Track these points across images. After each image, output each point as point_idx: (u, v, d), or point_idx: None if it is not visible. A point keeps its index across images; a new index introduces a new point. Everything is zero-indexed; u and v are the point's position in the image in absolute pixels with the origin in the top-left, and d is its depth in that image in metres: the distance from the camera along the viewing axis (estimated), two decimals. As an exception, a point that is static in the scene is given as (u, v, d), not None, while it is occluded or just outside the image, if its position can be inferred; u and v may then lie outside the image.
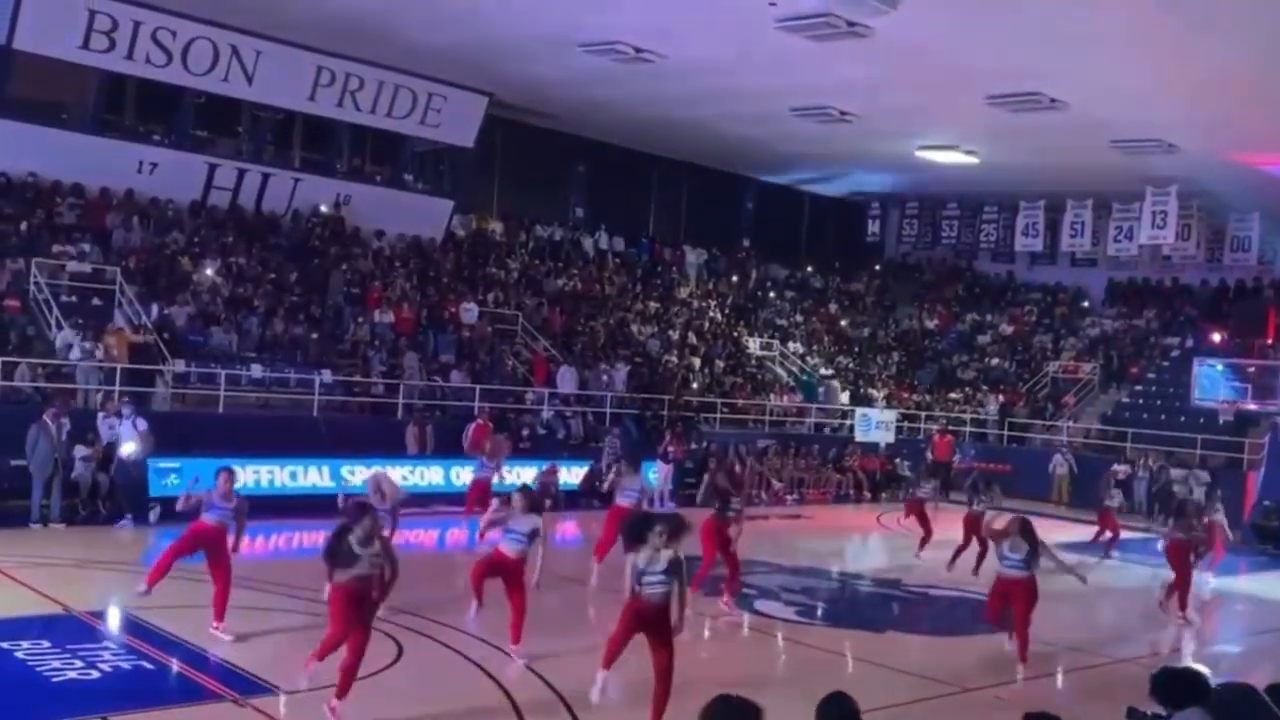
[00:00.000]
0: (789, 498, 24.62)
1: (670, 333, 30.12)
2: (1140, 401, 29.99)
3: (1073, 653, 11.97)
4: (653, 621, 8.20)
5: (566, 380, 24.75)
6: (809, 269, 37.90)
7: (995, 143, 26.77)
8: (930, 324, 36.83)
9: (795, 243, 37.46)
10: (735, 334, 32.19)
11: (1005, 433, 29.80)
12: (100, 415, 17.28)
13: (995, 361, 33.97)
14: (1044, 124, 23.77)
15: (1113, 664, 11.87)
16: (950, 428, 28.64)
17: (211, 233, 23.74)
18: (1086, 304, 35.48)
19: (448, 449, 21.01)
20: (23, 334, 18.88)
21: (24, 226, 20.98)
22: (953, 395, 32.34)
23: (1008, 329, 35.27)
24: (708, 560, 12.68)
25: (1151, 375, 31.05)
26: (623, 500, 14.34)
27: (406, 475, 19.84)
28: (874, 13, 17.51)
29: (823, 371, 32.30)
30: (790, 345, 33.11)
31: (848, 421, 29.32)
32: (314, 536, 13.84)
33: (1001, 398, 31.12)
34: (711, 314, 32.66)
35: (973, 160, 28.91)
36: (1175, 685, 5.12)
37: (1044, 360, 33.12)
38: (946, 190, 33.99)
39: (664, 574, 8.14)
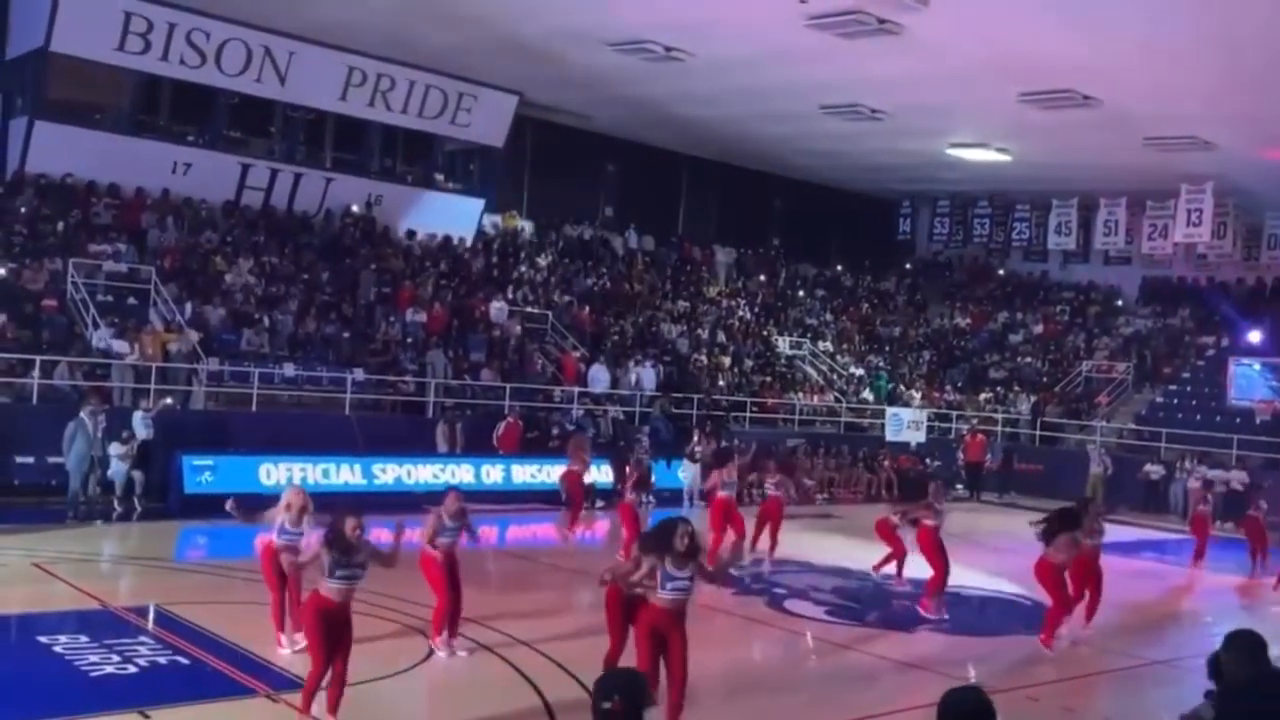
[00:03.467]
0: (819, 497, 24.53)
1: (699, 332, 30.10)
2: (1175, 401, 29.67)
3: (1107, 654, 11.86)
4: (673, 625, 7.95)
5: (597, 379, 24.79)
6: (839, 268, 37.75)
7: (1027, 140, 26.57)
8: (962, 323, 36.60)
9: (825, 241, 37.32)
10: (765, 333, 32.12)
11: (1038, 432, 29.56)
12: (137, 413, 17.48)
13: (1027, 361, 33.69)
14: (1077, 121, 23.57)
15: (1146, 665, 11.77)
16: (981, 428, 28.45)
17: (244, 232, 23.95)
18: (1120, 303, 35.14)
19: (478, 447, 21.10)
20: (61, 333, 19.11)
21: (61, 226, 21.24)
22: (984, 395, 32.12)
23: (1040, 328, 34.98)
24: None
25: (1186, 375, 30.70)
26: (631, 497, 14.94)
27: (437, 473, 20.00)
28: (905, 9, 17.43)
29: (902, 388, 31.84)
30: (820, 344, 33.00)
31: (878, 421, 29.18)
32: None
33: (1034, 397, 30.88)
34: (741, 313, 32.61)
35: (1004, 158, 28.70)
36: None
37: (1077, 360, 32.82)
38: (978, 188, 33.78)
39: (689, 578, 7.94)
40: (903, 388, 31.64)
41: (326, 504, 10.02)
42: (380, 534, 9.70)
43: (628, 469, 16.04)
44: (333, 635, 7.77)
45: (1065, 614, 11.88)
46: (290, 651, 9.42)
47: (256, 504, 17.05)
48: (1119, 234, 31.68)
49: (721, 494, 15.45)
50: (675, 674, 7.86)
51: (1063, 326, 34.87)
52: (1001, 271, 37.89)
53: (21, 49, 21.59)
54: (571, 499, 17.50)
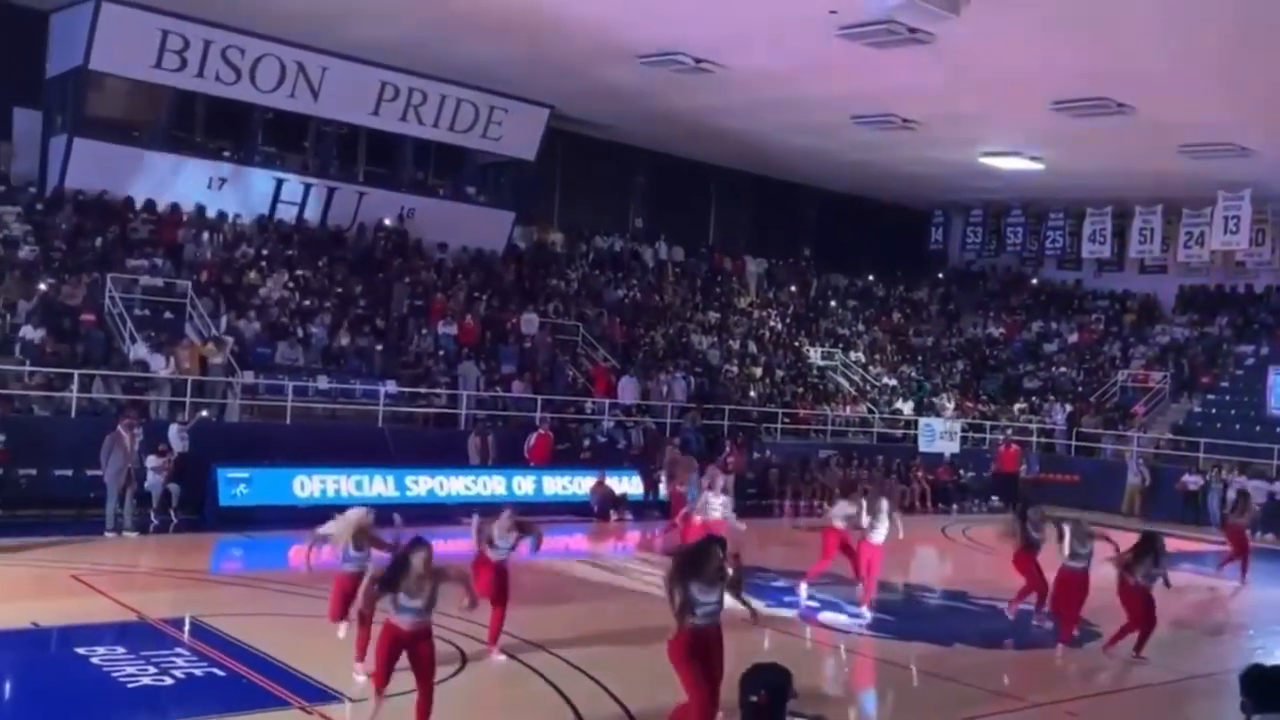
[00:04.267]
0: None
1: (731, 343, 30.06)
2: (1213, 411, 29.29)
3: (1146, 668, 11.70)
4: (710, 646, 7.84)
5: (628, 390, 24.80)
6: (871, 278, 37.60)
7: (1060, 148, 26.39)
8: (995, 332, 36.35)
9: (857, 251, 37.16)
10: (796, 343, 32.03)
11: (1073, 443, 29.27)
12: (173, 426, 17.67)
13: (1062, 370, 33.41)
14: (1111, 129, 23.39)
15: (1184, 680, 11.60)
16: (1016, 438, 28.21)
17: (279, 246, 24.17)
18: (1156, 311, 34.78)
19: (509, 459, 21.16)
20: (99, 347, 19.35)
21: (99, 242, 21.52)
22: (1019, 405, 31.85)
23: (1075, 337, 34.67)
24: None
25: (1225, 384, 30.31)
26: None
27: (469, 485, 20.08)
28: (936, 19, 17.37)
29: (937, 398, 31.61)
30: (852, 354, 32.86)
31: (911, 432, 29.00)
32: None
33: (1069, 407, 30.58)
34: (772, 323, 32.53)
35: (1037, 166, 28.52)
36: (1263, 684, 4.90)
37: (1113, 369, 32.50)
38: (1011, 197, 33.57)
39: (718, 600, 7.84)
40: (933, 398, 31.39)
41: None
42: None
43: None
44: (399, 658, 7.82)
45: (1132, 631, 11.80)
46: (364, 679, 8.87)
47: (290, 516, 17.32)
48: (1154, 242, 31.38)
49: (838, 525, 14.02)
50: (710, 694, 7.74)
51: (1098, 335, 34.55)
52: (1035, 280, 37.60)
53: (61, 68, 21.92)
54: (670, 514, 17.58)
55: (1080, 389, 32.11)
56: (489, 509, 11.37)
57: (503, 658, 10.13)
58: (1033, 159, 27.94)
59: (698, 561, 7.79)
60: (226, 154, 24.11)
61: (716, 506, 14.34)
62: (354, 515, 9.81)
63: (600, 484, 20.70)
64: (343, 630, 9.88)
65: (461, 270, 26.80)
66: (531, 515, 18.26)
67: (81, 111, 21.75)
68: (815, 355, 32.05)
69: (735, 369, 28.80)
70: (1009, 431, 28.94)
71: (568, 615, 12.39)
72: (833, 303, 35.41)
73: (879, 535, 13.28)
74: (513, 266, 28.13)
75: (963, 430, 28.54)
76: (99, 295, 20.28)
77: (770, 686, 4.25)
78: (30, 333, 18.62)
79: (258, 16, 21.37)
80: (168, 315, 20.84)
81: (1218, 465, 25.66)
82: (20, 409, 17.52)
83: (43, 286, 19.89)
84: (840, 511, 13.97)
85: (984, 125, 25.35)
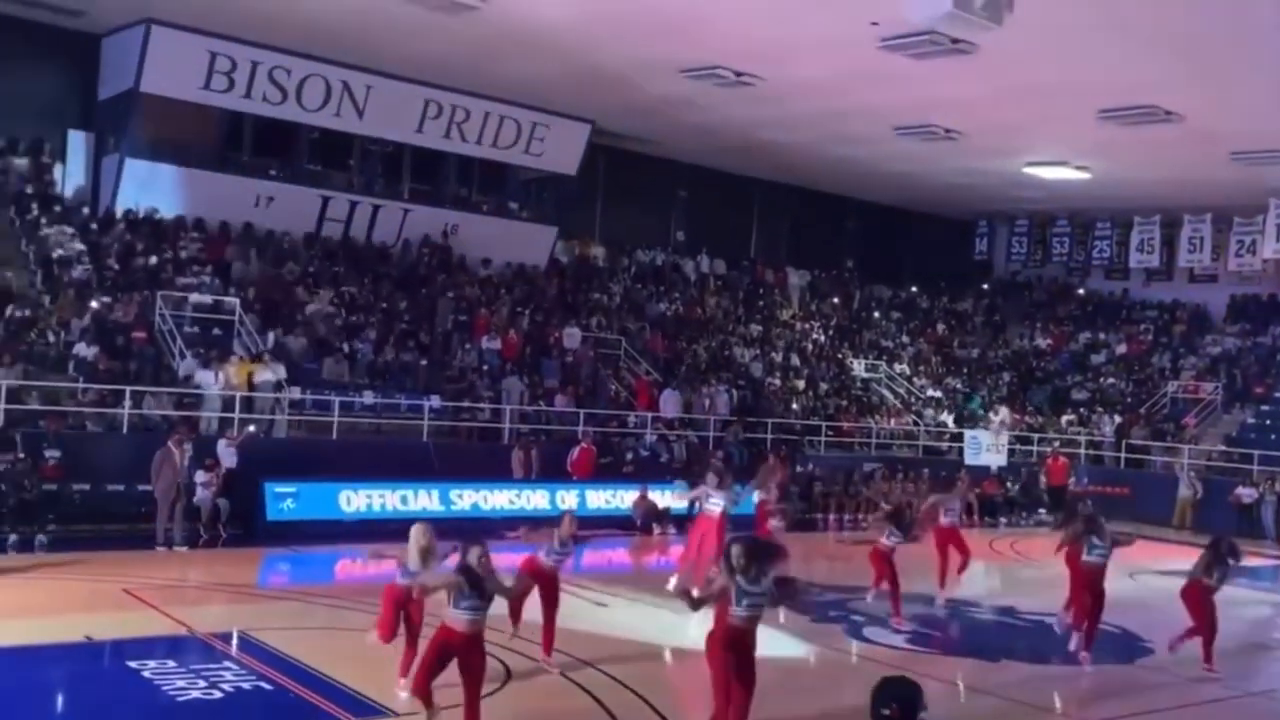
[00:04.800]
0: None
1: (773, 355, 29.97)
2: (1267, 422, 28.75)
3: (1203, 684, 11.49)
4: (743, 647, 7.82)
5: (670, 404, 24.80)
6: (914, 289, 37.35)
7: (1107, 157, 26.10)
8: (1042, 344, 35.95)
9: (900, 263, 36.97)
10: (839, 356, 31.87)
11: (1122, 455, 28.85)
12: (221, 442, 17.90)
13: (1110, 382, 32.97)
14: (1159, 137, 23.11)
15: (1241, 698, 11.37)
16: (1064, 450, 27.84)
17: (325, 263, 24.46)
18: (1207, 321, 34.23)
19: (552, 473, 21.22)
20: (150, 363, 19.67)
21: (150, 260, 21.89)
22: (1066, 417, 31.46)
23: (1123, 348, 34.21)
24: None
25: (1279, 395, 29.76)
26: (711, 508, 14.38)
27: (513, 499, 20.17)
28: (978, 29, 17.22)
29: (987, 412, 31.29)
30: (896, 366, 32.64)
31: (956, 445, 28.73)
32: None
33: (1118, 419, 30.16)
34: (815, 336, 32.40)
35: (1084, 176, 28.22)
36: None
37: (1162, 380, 32.02)
38: (1057, 207, 33.24)
39: (764, 594, 7.82)
40: (983, 411, 31.05)
41: (403, 530, 10.03)
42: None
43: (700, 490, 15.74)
44: (448, 663, 7.85)
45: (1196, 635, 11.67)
46: (406, 696, 8.78)
47: (337, 531, 17.49)
48: (1204, 251, 30.95)
49: (945, 521, 15.22)
50: (739, 698, 7.73)
51: (1147, 346, 34.07)
52: (1082, 291, 37.17)
53: (113, 91, 22.36)
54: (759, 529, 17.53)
55: (1129, 400, 31.67)
56: (533, 523, 11.48)
57: (555, 671, 10.14)
58: (1079, 168, 27.65)
59: (755, 553, 7.84)
60: (273, 173, 24.45)
61: (717, 501, 14.53)
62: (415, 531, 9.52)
63: (643, 498, 20.70)
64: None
65: (504, 285, 26.96)
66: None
67: (133, 133, 22.16)
68: (859, 367, 31.86)
69: (778, 382, 28.70)
70: (1056, 444, 28.59)
71: (610, 630, 12.38)
72: (876, 314, 35.21)
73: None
74: (555, 281, 28.26)
75: (1010, 442, 28.24)
76: (150, 313, 20.62)
77: (901, 700, 4.34)
78: (84, 350, 18.96)
79: (304, 37, 21.68)
80: (216, 332, 21.13)
81: (1271, 477, 25.17)
82: (74, 425, 17.83)
83: (95, 305, 20.24)
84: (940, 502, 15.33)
85: (1028, 135, 25.13)
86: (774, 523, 15.49)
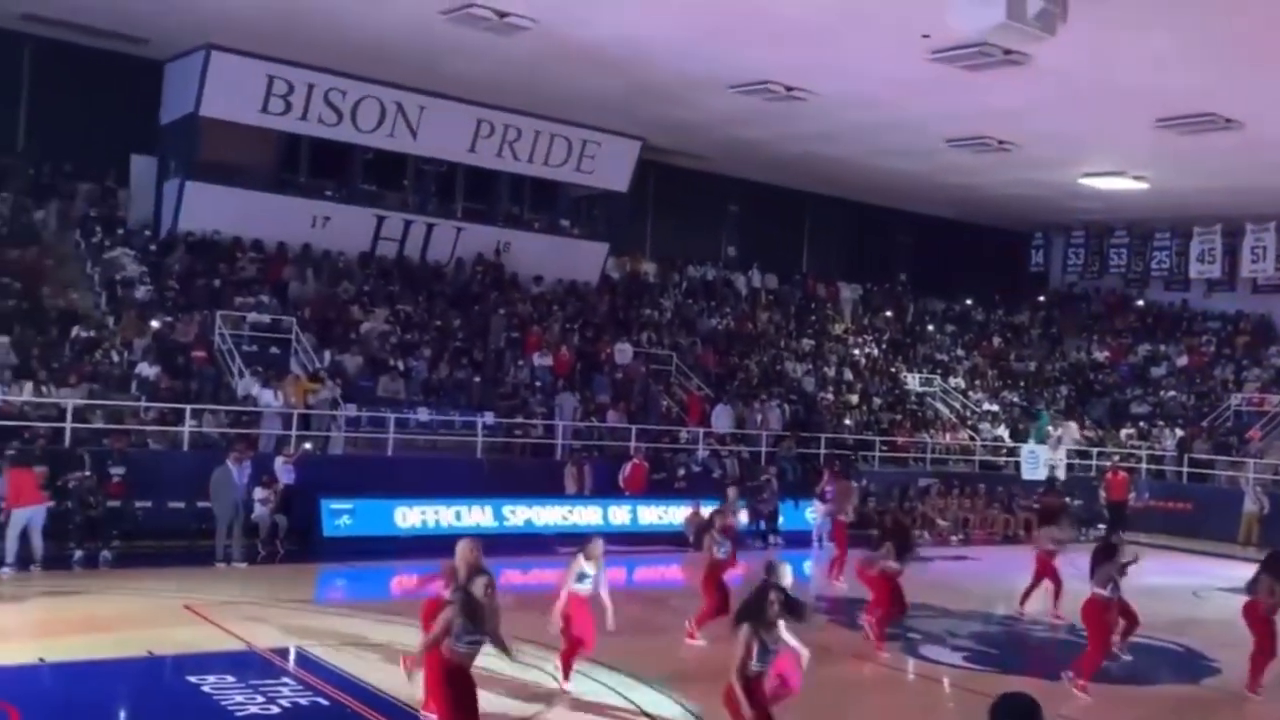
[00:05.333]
0: (954, 538, 23.92)
1: (825, 370, 29.80)
2: (1335, 435, 28.07)
3: (1268, 705, 11.22)
4: (762, 694, 7.70)
5: (722, 419, 24.74)
6: (969, 301, 36.98)
7: (1165, 166, 25.70)
8: (1100, 356, 35.39)
9: (953, 275, 36.62)
10: (893, 370, 31.61)
11: (1185, 469, 28.27)
12: (278, 459, 18.14)
13: (1172, 395, 32.34)
14: (1218, 145, 22.72)
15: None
16: (1123, 464, 27.36)
17: (380, 282, 24.76)
18: (1271, 332, 33.48)
19: (605, 489, 21.25)
20: (209, 382, 20.02)
21: (216, 282, 22.30)
22: (1126, 431, 30.90)
23: (1184, 360, 33.56)
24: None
25: (1348, 407, 29.04)
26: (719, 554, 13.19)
27: (565, 515, 20.23)
28: (1031, 39, 17.05)
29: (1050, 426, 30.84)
30: (951, 380, 32.29)
31: (1013, 459, 28.35)
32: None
33: (1180, 433, 29.58)
34: (868, 350, 32.17)
35: (1141, 186, 27.79)
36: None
37: (1225, 393, 31.35)
38: (1114, 217, 32.76)
39: (776, 645, 7.73)
40: (1050, 428, 30.47)
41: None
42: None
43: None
44: (467, 693, 7.74)
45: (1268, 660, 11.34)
46: None
47: (392, 547, 17.62)
48: (1268, 260, 30.32)
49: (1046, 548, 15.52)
50: None
51: (1209, 358, 33.39)
52: (1141, 302, 36.56)
53: (174, 115, 22.87)
54: (839, 547, 17.56)
55: (1191, 413, 31.04)
56: (586, 539, 11.44)
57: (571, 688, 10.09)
58: (1136, 178, 27.25)
59: (759, 610, 7.63)
60: (329, 193, 24.81)
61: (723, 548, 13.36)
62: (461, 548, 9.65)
63: (695, 514, 20.55)
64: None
65: (556, 302, 27.10)
66: (627, 545, 18.46)
67: (194, 156, 22.63)
68: (913, 382, 31.57)
69: (831, 397, 28.52)
70: (1116, 458, 28.11)
71: (661, 646, 12.35)
72: (930, 328, 34.88)
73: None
74: (606, 297, 28.36)
75: (1068, 457, 27.81)
76: (210, 332, 21.00)
77: (1020, 715, 4.32)
78: (146, 370, 19.35)
79: (358, 59, 22.02)
80: (274, 350, 21.45)
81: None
82: (137, 443, 18.18)
83: (157, 325, 20.66)
84: (1049, 535, 15.67)
85: (1084, 145, 24.82)
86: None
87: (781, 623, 7.74)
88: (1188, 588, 18.64)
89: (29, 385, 18.04)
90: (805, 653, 8.17)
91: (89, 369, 19.02)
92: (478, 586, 7.69)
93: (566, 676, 10.16)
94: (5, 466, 15.25)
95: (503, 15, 18.41)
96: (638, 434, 22.85)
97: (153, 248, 22.69)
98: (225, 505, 16.18)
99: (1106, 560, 11.48)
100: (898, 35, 18.06)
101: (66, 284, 21.39)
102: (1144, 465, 28.38)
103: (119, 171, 23.44)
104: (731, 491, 17.85)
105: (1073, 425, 30.13)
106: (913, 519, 23.87)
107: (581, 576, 10.24)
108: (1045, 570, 15.40)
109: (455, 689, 7.61)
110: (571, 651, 10.16)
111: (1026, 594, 15.53)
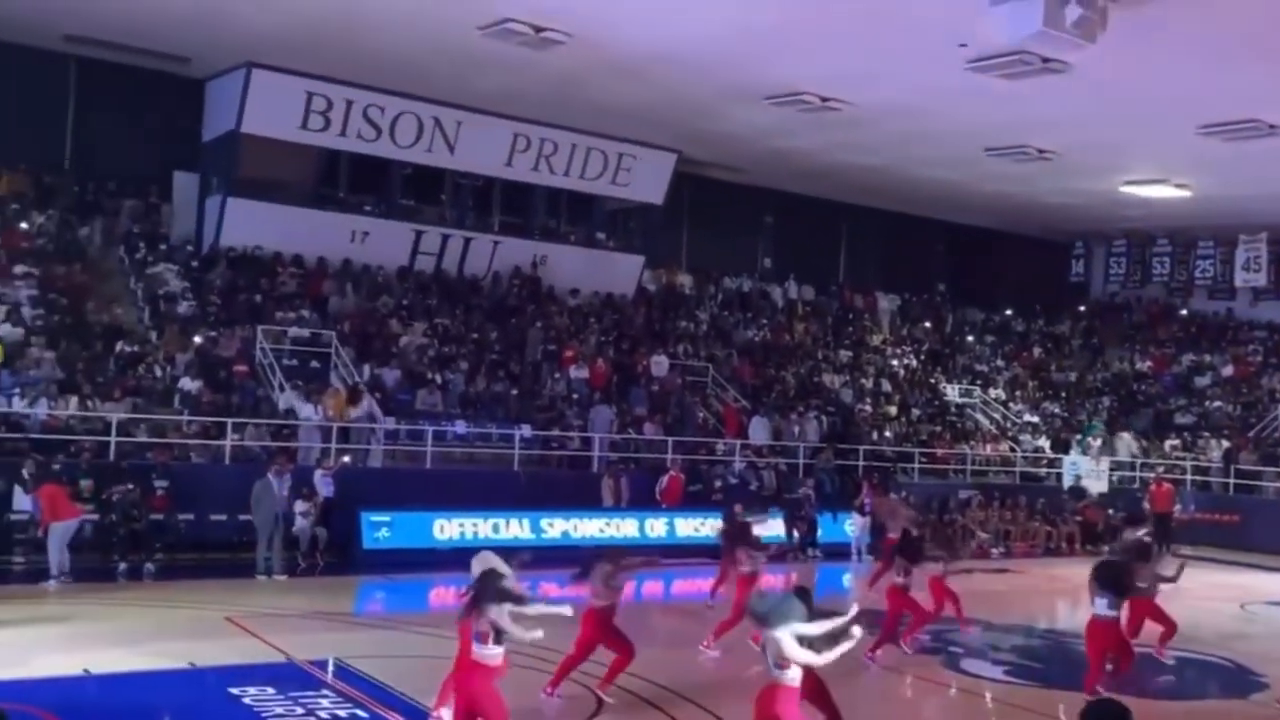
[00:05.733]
0: (995, 551, 23.67)
1: (863, 381, 29.62)
2: (1388, 446, 27.50)
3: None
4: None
5: (759, 431, 24.65)
6: (1008, 312, 36.65)
7: (1209, 174, 25.36)
8: (1143, 366, 34.93)
9: (993, 285, 36.32)
10: (932, 381, 31.37)
11: (1231, 480, 27.82)
12: (318, 472, 18.28)
13: (1217, 405, 31.85)
14: (1263, 152, 22.39)
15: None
16: (1168, 476, 26.96)
17: (418, 296, 24.93)
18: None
19: (642, 501, 21.23)
20: (250, 396, 20.23)
21: (257, 297, 22.56)
22: (1170, 442, 30.46)
23: (1230, 370, 33.04)
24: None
25: (1399, 416, 28.46)
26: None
27: (603, 527, 20.22)
28: (1070, 47, 16.90)
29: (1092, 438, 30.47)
30: (991, 391, 31.99)
31: (1054, 471, 28.03)
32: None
33: (1226, 444, 29.12)
34: (906, 361, 31.95)
35: (1184, 194, 27.44)
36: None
37: (1272, 403, 30.82)
38: (1156, 226, 32.37)
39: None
40: (1091, 439, 30.06)
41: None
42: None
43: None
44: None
45: None
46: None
47: (431, 560, 17.68)
48: (1316, 268, 29.81)
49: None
50: None
51: (1255, 368, 32.86)
52: (1184, 311, 36.06)
53: (216, 132, 23.19)
54: (884, 560, 17.11)
55: (1237, 424, 30.55)
56: (622, 551, 11.43)
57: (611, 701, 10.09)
58: (1179, 186, 26.91)
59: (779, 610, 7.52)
60: (368, 208, 25.02)
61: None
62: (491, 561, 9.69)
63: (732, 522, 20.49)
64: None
65: (592, 314, 27.16)
66: (664, 557, 18.40)
67: (235, 172, 22.92)
68: (952, 393, 31.32)
69: (869, 408, 28.35)
70: (1160, 469, 27.72)
71: (697, 658, 12.31)
72: (969, 338, 34.60)
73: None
74: (642, 309, 28.38)
75: (1111, 468, 27.47)
76: (251, 347, 21.23)
77: None
78: (188, 384, 19.59)
79: (396, 75, 22.21)
80: (314, 364, 21.65)
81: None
82: (179, 457, 18.40)
83: (199, 340, 20.92)
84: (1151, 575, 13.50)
85: (1125, 153, 24.55)
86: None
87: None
88: (1235, 601, 18.33)
89: (74, 400, 18.32)
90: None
91: (133, 383, 19.30)
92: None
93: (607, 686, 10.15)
94: (30, 488, 15.43)
95: (539, 30, 18.52)
96: (674, 446, 22.82)
97: (195, 263, 22.98)
98: (266, 517, 16.31)
99: (1143, 562, 11.26)
100: (934, 44, 17.96)
101: (111, 300, 21.72)
102: (1189, 477, 27.97)
103: (162, 188, 23.79)
104: (738, 508, 17.44)
105: (1126, 436, 29.75)
106: (953, 531, 23.70)
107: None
108: (1146, 611, 13.57)
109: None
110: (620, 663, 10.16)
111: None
